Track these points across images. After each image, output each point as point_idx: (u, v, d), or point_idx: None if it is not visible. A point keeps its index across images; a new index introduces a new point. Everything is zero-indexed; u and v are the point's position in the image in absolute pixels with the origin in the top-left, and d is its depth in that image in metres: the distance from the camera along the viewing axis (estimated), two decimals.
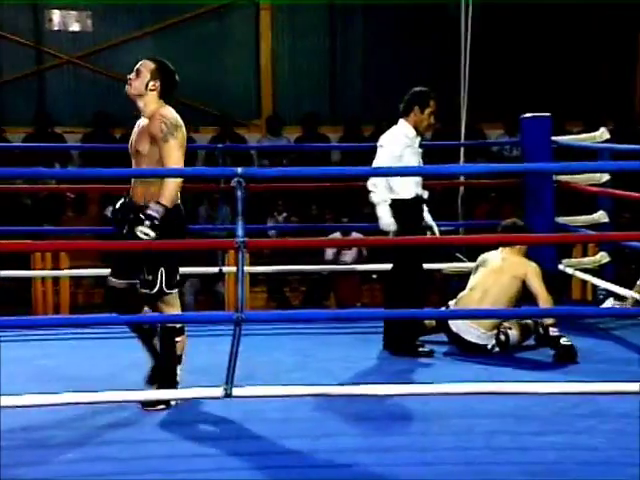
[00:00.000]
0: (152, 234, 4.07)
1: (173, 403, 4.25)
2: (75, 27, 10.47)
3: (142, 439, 3.92)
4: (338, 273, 8.28)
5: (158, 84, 4.27)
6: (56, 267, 7.41)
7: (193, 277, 8.16)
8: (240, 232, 3.79)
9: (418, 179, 5.38)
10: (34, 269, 7.27)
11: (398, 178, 5.26)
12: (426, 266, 5.60)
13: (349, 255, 8.57)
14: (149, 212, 4.09)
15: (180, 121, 4.28)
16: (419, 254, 5.43)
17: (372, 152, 5.53)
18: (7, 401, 3.72)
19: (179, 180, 4.19)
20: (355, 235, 7.78)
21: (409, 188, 5.30)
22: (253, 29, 10.58)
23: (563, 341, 5.25)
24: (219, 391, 3.76)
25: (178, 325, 4.36)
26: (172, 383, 4.24)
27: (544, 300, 5.31)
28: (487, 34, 9.80)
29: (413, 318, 5.25)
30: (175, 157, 4.18)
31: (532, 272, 5.41)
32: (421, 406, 4.24)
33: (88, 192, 9.05)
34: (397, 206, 5.27)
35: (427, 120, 5.38)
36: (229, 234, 7.36)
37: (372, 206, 5.38)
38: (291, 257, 7.90)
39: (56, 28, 10.42)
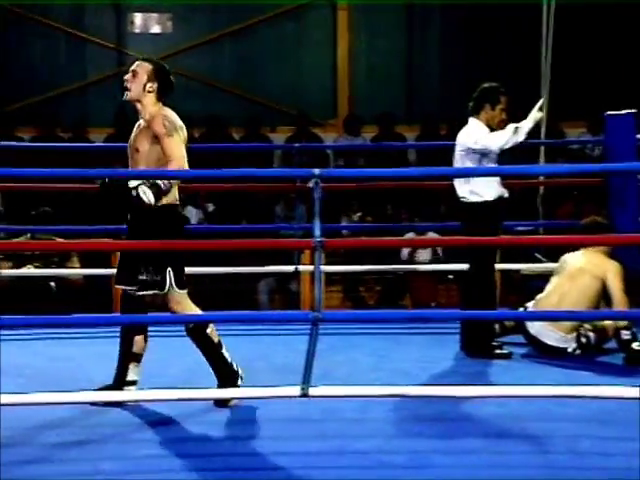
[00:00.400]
0: (151, 196, 4.05)
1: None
2: (156, 29, 10.65)
3: (223, 436, 3.96)
4: (414, 273, 8.24)
5: (155, 86, 4.24)
6: None
7: (268, 276, 8.21)
8: (317, 232, 3.79)
9: (498, 178, 5.31)
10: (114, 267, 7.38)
11: (480, 178, 5.20)
12: (505, 267, 5.54)
13: (425, 255, 8.52)
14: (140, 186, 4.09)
15: (180, 123, 4.28)
16: (495, 255, 5.37)
17: (448, 151, 5.49)
18: (96, 396, 3.81)
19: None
20: (431, 235, 7.74)
21: (491, 188, 5.23)
22: (330, 29, 10.59)
23: (635, 345, 5.13)
24: (296, 390, 3.77)
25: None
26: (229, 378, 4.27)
27: (619, 301, 5.20)
28: (566, 32, 9.62)
29: (491, 319, 5.19)
30: (180, 151, 4.19)
31: (612, 271, 5.30)
32: (498, 408, 4.19)
33: None
34: (479, 208, 5.21)
35: (499, 117, 5.29)
36: (305, 233, 7.40)
37: (448, 205, 5.33)
38: (366, 256, 7.89)
39: (137, 30, 10.61)
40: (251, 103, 10.53)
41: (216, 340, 4.33)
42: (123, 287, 4.35)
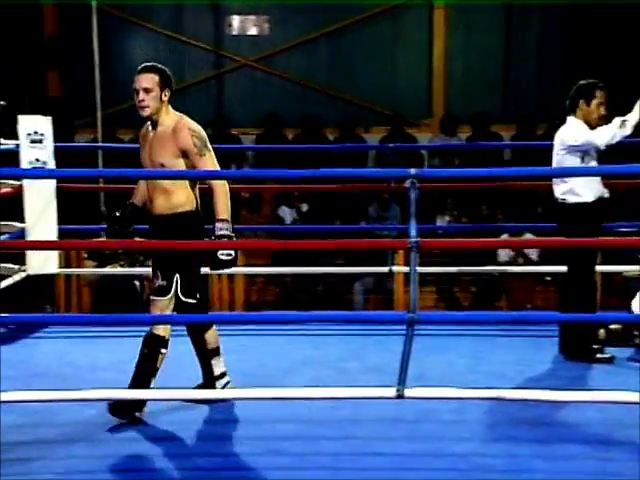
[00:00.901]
0: (233, 253, 4.01)
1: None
2: (253, 31, 10.77)
3: (319, 436, 3.97)
4: (510, 274, 8.12)
5: (168, 92, 4.17)
6: None
7: (364, 276, 8.21)
8: (413, 232, 3.76)
9: (599, 178, 5.18)
10: None
11: (579, 178, 5.08)
12: (605, 269, 5.40)
13: (522, 256, 8.38)
14: (220, 233, 4.03)
15: (203, 131, 4.17)
16: (595, 257, 5.24)
17: (545, 151, 5.38)
18: (188, 394, 3.86)
19: (227, 190, 4.09)
20: (528, 236, 7.61)
21: (591, 189, 5.11)
22: (426, 28, 10.53)
23: None
24: (392, 391, 3.76)
25: (167, 336, 4.23)
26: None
27: None
28: None
29: (590, 322, 5.07)
30: (217, 168, 4.14)
31: None
32: (598, 414, 4.09)
33: (262, 192, 9.28)
34: (578, 209, 5.09)
35: (596, 112, 5.15)
36: (399, 234, 7.36)
37: (545, 206, 5.22)
38: (461, 257, 7.81)
39: (235, 33, 10.75)
40: (346, 104, 10.55)
41: (158, 365, 4.20)
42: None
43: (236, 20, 10.72)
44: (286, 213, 9.54)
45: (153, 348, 4.18)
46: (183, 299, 4.14)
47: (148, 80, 4.14)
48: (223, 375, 4.38)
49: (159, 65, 4.23)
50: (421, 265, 6.93)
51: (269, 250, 7.89)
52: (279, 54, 10.67)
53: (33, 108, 8.14)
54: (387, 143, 9.39)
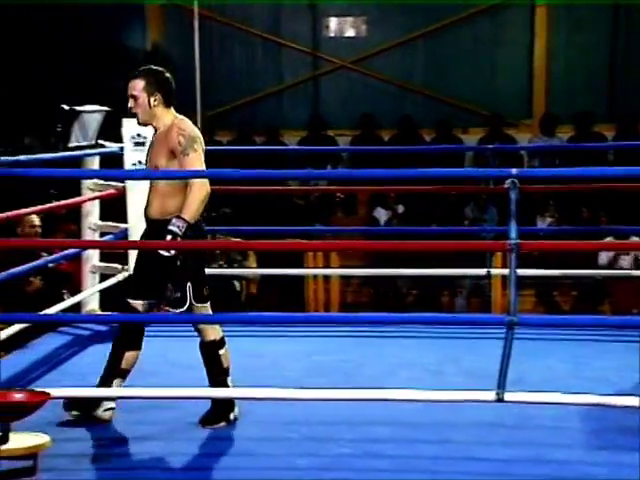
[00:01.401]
0: (171, 252, 3.87)
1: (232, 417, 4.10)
2: (350, 33, 10.79)
3: (416, 439, 3.94)
4: (614, 278, 7.91)
5: (159, 96, 3.99)
6: (327, 266, 7.61)
7: (463, 279, 8.13)
8: (513, 234, 3.70)
9: None
10: (306, 267, 7.51)
11: None
12: None
13: (627, 260, 8.15)
14: (170, 227, 3.84)
15: (197, 132, 4.03)
16: None
17: None
18: (288, 394, 3.88)
19: (204, 195, 3.91)
20: (635, 239, 7.39)
21: None
22: (527, 27, 10.37)
23: None
24: (491, 395, 3.69)
25: (218, 337, 4.15)
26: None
27: None
28: None
29: None
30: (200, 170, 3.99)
31: None
32: None
33: (357, 193, 9.28)
34: None
35: None
36: (496, 235, 7.26)
37: None
38: (561, 260, 7.64)
39: (332, 34, 10.80)
40: (443, 104, 10.47)
41: (225, 365, 4.15)
42: (146, 301, 4.10)
43: (333, 22, 10.76)
44: (381, 214, 9.51)
45: (211, 353, 4.14)
46: (195, 305, 4.06)
47: (134, 87, 4.01)
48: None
49: (150, 68, 4.10)
50: (520, 268, 6.88)
51: (364, 251, 7.88)
52: (376, 55, 10.66)
53: None
54: (485, 144, 9.28)
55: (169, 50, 10.59)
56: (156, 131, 4.05)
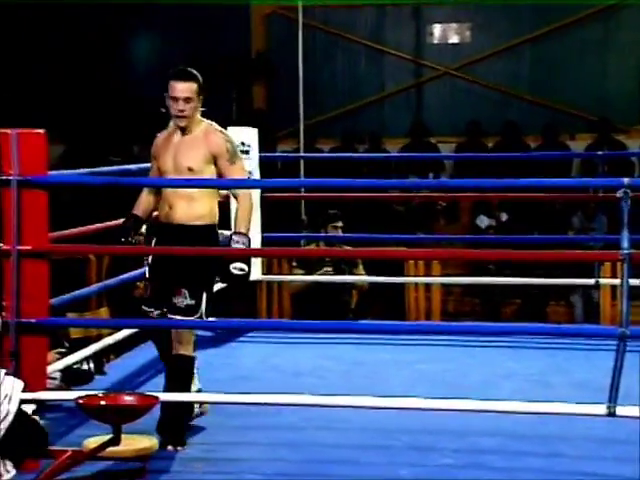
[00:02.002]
0: (246, 268, 3.80)
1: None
2: (454, 39, 10.70)
3: (523, 451, 3.86)
4: None
5: (202, 99, 4.01)
6: (428, 274, 7.55)
7: (575, 288, 7.93)
8: (625, 244, 3.59)
9: None
10: (407, 275, 7.46)
11: None
12: None
13: None
14: (236, 246, 3.85)
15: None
16: None
17: None
18: (391, 402, 3.85)
19: (251, 205, 3.99)
20: None
21: None
22: None
23: None
24: (602, 409, 3.59)
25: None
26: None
27: None
28: None
29: None
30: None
31: None
32: None
33: (460, 201, 9.18)
34: None
35: None
36: (605, 245, 7.06)
37: None
38: None
39: (436, 41, 10.73)
40: (549, 110, 10.26)
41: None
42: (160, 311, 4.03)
43: (437, 29, 10.68)
44: (484, 222, 9.38)
45: (188, 369, 4.03)
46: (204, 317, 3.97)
47: (189, 89, 3.95)
48: None
49: (194, 71, 4.04)
50: (632, 278, 6.67)
51: (466, 260, 7.77)
52: (480, 61, 10.54)
53: (240, 120, 8.44)
54: (594, 150, 9.05)
55: (273, 58, 10.72)
56: (183, 132, 4.00)
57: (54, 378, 4.43)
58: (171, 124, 4.06)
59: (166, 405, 3.81)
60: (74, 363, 4.62)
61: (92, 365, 4.83)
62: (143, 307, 4.08)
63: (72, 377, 4.61)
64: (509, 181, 4.39)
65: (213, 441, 3.99)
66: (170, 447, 3.85)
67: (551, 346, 5.53)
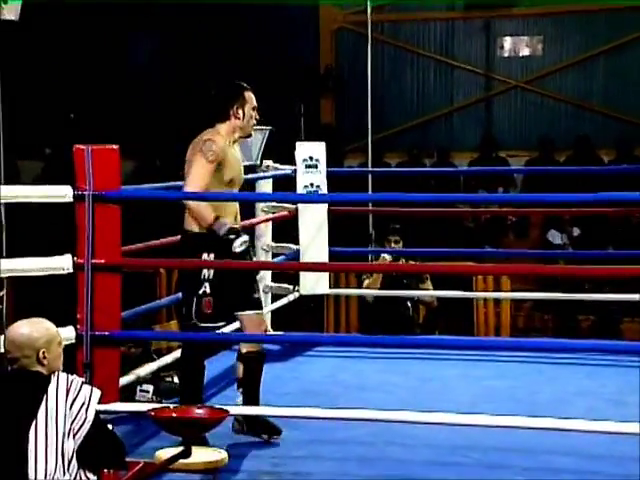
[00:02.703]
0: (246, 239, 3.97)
1: None
2: (525, 52, 10.60)
3: (598, 471, 3.78)
4: None
5: None
6: (497, 289, 7.46)
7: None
8: None
9: None
10: (476, 290, 7.38)
11: None
12: None
13: None
14: (225, 229, 3.93)
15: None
16: None
17: None
18: (460, 419, 3.81)
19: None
20: None
21: None
22: None
23: None
24: None
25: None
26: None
27: None
28: None
29: None
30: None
31: None
32: None
33: (530, 216, 9.07)
34: None
35: None
36: None
37: None
38: None
39: (506, 55, 10.64)
40: (622, 123, 10.08)
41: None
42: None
43: (508, 42, 10.60)
44: (555, 237, 9.25)
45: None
46: (197, 323, 4.04)
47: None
48: None
49: None
50: None
51: (537, 275, 7.65)
52: (552, 74, 10.41)
53: (307, 134, 8.48)
54: None
55: (341, 73, 10.76)
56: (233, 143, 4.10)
57: (146, 391, 4.48)
58: (222, 131, 4.05)
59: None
60: (164, 376, 4.67)
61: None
62: (205, 324, 4.05)
63: (164, 390, 4.65)
64: (580, 196, 4.31)
65: (282, 455, 3.99)
66: (265, 436, 4.07)
67: (626, 364, 5.41)
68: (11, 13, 3.85)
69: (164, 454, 3.05)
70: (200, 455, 3.05)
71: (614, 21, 10.04)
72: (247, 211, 6.32)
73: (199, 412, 2.81)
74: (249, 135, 4.20)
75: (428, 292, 6.80)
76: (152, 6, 9.97)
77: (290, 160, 6.10)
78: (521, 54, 10.58)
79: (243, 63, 10.09)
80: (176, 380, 4.70)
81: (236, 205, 4.13)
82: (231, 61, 10.59)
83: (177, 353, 4.97)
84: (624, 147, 9.69)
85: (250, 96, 4.07)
